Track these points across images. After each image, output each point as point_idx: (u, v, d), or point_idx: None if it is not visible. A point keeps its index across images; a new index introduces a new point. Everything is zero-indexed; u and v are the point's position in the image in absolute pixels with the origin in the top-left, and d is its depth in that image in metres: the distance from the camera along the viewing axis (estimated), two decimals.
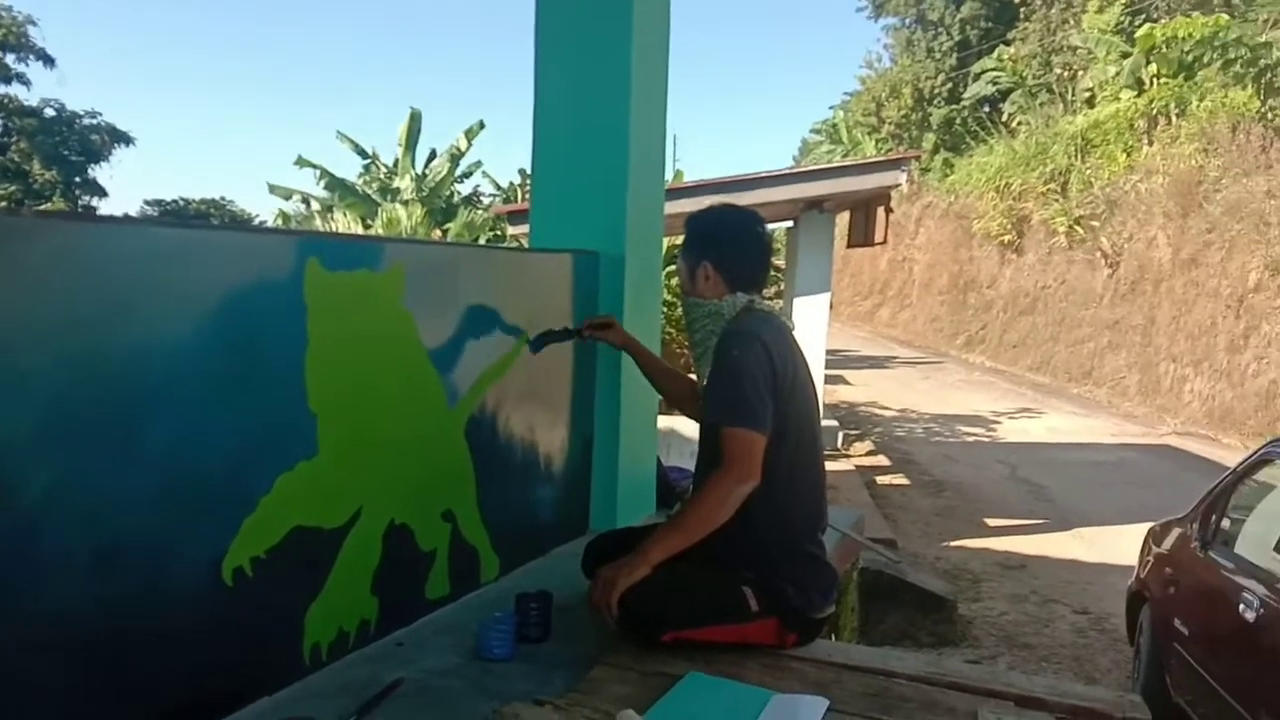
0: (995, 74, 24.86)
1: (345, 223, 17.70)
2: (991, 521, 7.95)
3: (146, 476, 1.76)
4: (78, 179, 29.59)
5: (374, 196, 19.64)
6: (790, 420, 2.38)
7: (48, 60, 27.89)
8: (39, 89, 27.92)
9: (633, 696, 2.10)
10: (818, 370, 8.45)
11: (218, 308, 1.90)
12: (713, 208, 2.70)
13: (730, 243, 2.59)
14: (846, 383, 16.39)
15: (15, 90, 27.93)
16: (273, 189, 20.35)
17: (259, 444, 2.01)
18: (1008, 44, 26.18)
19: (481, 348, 2.76)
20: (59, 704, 1.66)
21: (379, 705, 2.04)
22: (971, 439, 11.76)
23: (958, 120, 27.73)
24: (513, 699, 2.07)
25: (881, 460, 10.26)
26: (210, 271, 1.89)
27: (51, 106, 28.78)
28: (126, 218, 2.34)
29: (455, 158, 20.43)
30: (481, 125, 20.48)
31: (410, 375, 2.49)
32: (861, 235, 10.62)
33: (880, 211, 10.00)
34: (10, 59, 27.19)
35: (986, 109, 25.87)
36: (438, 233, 17.08)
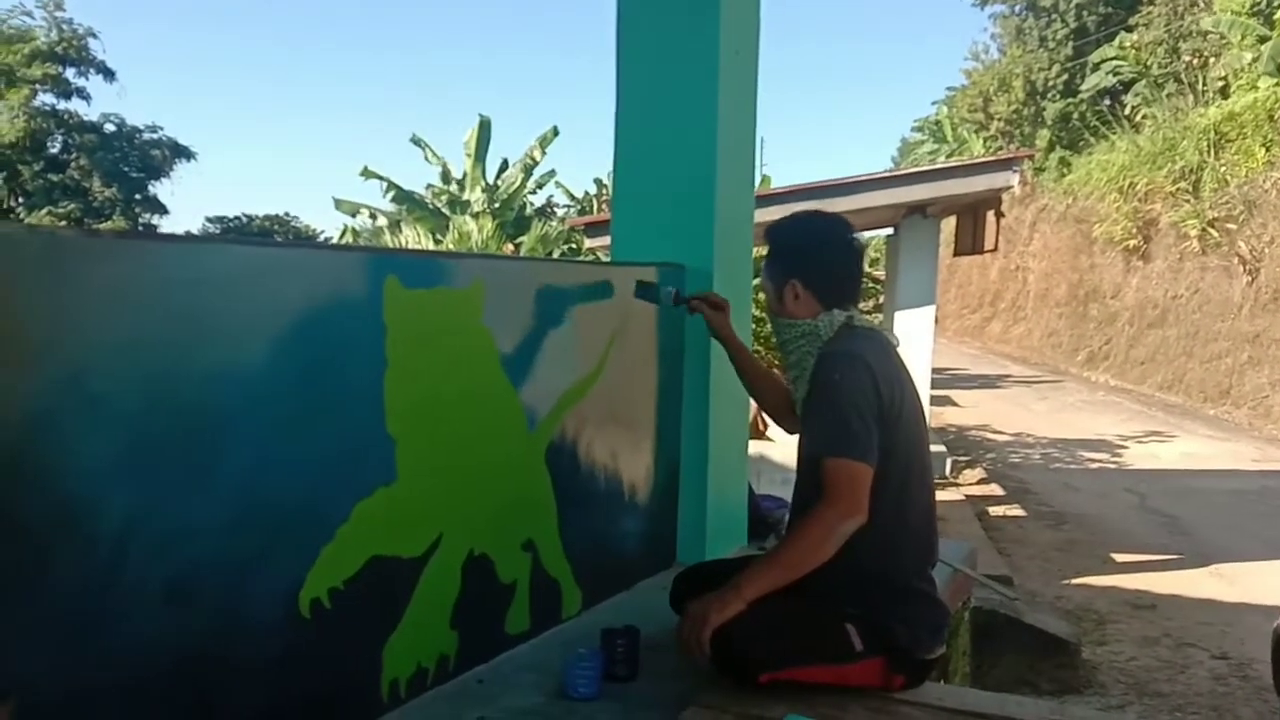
0: (1116, 63, 24.35)
1: (415, 237, 18.07)
2: (1118, 557, 7.74)
3: (222, 504, 1.84)
4: (138, 196, 30.70)
5: (443, 209, 20.03)
6: (898, 448, 2.35)
7: (108, 74, 29.09)
8: (99, 104, 29.03)
9: None
10: (923, 391, 8.33)
11: (294, 329, 1.98)
12: (796, 216, 2.65)
13: (819, 256, 2.54)
14: (955, 404, 16.14)
15: (75, 105, 29.17)
16: (338, 204, 20.88)
17: (337, 469, 2.08)
18: (1129, 30, 25.62)
19: (561, 368, 2.82)
20: None
21: None
22: (1095, 466, 11.48)
23: (1075, 115, 27.22)
24: None
25: (994, 489, 10.07)
26: (287, 291, 1.97)
27: (112, 121, 29.96)
28: (201, 236, 2.45)
29: (528, 168, 20.71)
30: (555, 133, 20.74)
31: (490, 397, 2.55)
32: (969, 242, 10.48)
33: (990, 216, 9.87)
34: (70, 73, 28.41)
35: (1107, 102, 25.35)
36: (509, 247, 17.33)
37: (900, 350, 2.56)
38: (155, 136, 30.90)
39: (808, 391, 2.44)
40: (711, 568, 2.77)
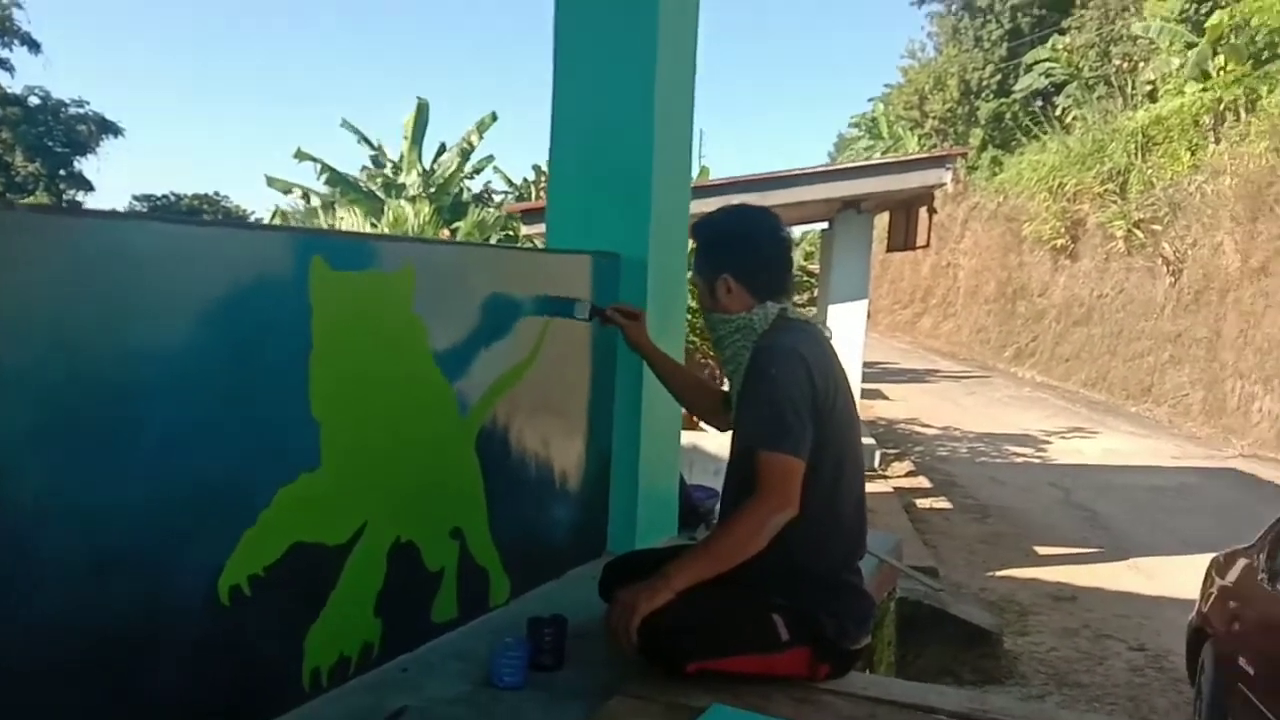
0: (1049, 65, 24.81)
1: (353, 221, 17.83)
2: (1041, 550, 7.92)
3: (142, 483, 1.80)
4: (62, 171, 29.93)
5: (378, 193, 19.79)
6: (830, 441, 2.37)
7: (33, 45, 28.25)
8: (23, 76, 28.19)
9: None
10: (854, 384, 8.43)
11: (217, 307, 1.93)
12: (723, 210, 2.64)
13: (750, 249, 2.54)
14: (885, 398, 16.36)
15: None
16: (270, 182, 20.51)
17: (259, 453, 2.04)
18: (1062, 33, 26.14)
19: (494, 355, 2.79)
20: (53, 716, 1.69)
21: None
22: (1020, 460, 11.72)
23: (1008, 115, 27.69)
24: None
25: (922, 482, 10.23)
26: (210, 270, 1.92)
27: (36, 94, 29.16)
28: (122, 213, 2.39)
29: (465, 152, 20.55)
30: (494, 118, 20.61)
31: (419, 382, 2.52)
32: (902, 238, 10.63)
33: (923, 213, 10.02)
34: None
35: (1039, 103, 25.81)
36: (446, 232, 17.17)
37: (833, 343, 2.57)
38: (81, 111, 30.13)
39: (742, 385, 2.46)
40: (641, 557, 2.78)
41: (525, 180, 21.77)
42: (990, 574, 7.17)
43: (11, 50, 28.06)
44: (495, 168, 22.35)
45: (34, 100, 28.99)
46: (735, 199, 3.54)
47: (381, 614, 2.40)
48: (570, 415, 3.25)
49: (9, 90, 28.63)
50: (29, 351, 1.61)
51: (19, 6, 27.66)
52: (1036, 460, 11.73)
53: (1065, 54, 24.60)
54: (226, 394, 1.96)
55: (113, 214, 2.22)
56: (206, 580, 1.94)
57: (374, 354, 2.34)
